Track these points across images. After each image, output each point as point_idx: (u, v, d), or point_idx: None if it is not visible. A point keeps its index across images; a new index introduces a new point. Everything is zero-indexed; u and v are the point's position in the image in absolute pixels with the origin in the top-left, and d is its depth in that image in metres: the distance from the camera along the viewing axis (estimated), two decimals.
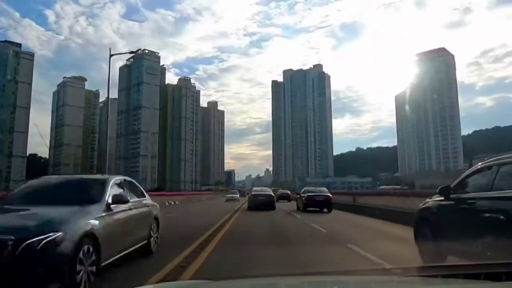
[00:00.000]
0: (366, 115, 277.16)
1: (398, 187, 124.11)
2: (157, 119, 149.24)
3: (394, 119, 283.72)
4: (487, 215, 4.23)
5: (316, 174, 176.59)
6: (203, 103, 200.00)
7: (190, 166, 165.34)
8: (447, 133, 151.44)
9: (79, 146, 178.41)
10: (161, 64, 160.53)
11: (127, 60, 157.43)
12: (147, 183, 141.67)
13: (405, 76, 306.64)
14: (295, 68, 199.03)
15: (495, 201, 4.16)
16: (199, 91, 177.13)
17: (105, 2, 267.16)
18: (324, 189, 21.18)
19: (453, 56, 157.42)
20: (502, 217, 3.96)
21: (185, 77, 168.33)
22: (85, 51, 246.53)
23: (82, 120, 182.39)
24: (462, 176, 5.01)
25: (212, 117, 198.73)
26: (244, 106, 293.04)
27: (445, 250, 4.96)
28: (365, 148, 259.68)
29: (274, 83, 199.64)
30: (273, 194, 21.99)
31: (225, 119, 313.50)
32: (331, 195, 19.42)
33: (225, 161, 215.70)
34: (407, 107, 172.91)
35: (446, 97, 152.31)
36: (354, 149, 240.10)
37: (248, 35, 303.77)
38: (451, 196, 4.95)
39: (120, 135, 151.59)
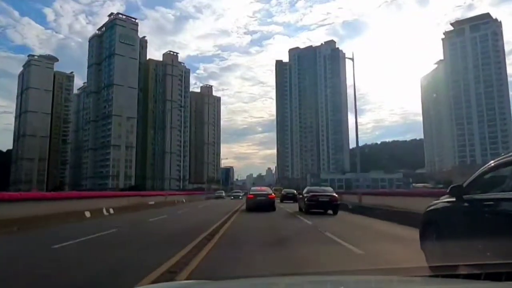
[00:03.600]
0: (368, 114, 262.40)
1: (429, 185, 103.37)
2: (135, 101, 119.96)
3: (396, 119, 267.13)
4: (506, 218, 3.63)
5: (330, 169, 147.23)
6: (196, 89, 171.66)
7: (178, 160, 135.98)
8: (495, 117, 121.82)
9: (45, 137, 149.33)
10: (141, 36, 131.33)
11: (99, 29, 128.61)
12: (120, 180, 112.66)
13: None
14: (302, 46, 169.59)
15: None
16: (189, 70, 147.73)
17: (104, 0, 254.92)
18: (329, 188, 20.27)
19: (500, 22, 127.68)
20: None
21: (170, 51, 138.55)
22: (84, 49, 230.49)
23: (51, 107, 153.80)
24: (477, 173, 4.30)
25: (206, 104, 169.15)
26: (245, 105, 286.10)
27: (456, 258, 4.25)
28: (379, 142, 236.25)
29: (278, 64, 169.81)
30: (273, 194, 20.85)
31: (226, 118, 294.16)
32: (336, 195, 18.00)
33: (227, 160, 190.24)
34: (439, 89, 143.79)
35: (494, 73, 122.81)
36: (359, 146, 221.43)
37: (249, 33, 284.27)
38: (464, 196, 4.28)
39: (89, 121, 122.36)
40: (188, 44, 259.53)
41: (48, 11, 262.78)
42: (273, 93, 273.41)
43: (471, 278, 1.72)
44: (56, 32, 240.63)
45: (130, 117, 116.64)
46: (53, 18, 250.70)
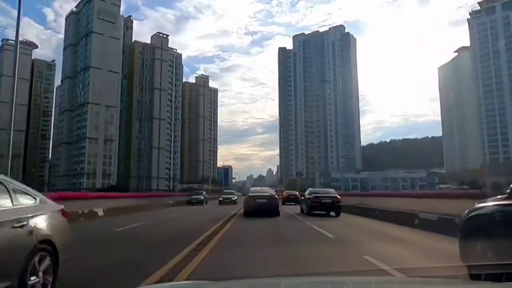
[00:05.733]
0: (368, 115, 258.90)
1: (451, 186, 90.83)
2: (115, 87, 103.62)
3: (397, 120, 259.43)
4: None
5: (340, 167, 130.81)
6: (190, 78, 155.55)
7: (168, 157, 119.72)
8: None
9: (21, 131, 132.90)
10: (125, 15, 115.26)
11: (76, 6, 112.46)
12: (98, 179, 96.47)
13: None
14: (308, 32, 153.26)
15: None
16: (180, 54, 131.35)
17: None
18: (332, 190, 19.36)
19: None
20: None
21: (159, 32, 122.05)
22: None
23: (28, 98, 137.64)
24: None
25: (202, 95, 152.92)
26: (246, 106, 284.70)
27: None
28: (388, 140, 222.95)
29: (282, 51, 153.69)
30: (277, 196, 17.60)
31: (226, 119, 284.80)
32: (339, 197, 17.49)
33: (227, 161, 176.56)
34: (462, 78, 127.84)
35: None
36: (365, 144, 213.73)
37: (250, 33, 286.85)
38: None
39: (63, 110, 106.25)
40: (189, 44, 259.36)
41: (48, 11, 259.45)
42: (273, 94, 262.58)
43: (471, 279, 1.72)
44: (56, 32, 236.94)
45: (109, 105, 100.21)
46: (53, 18, 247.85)
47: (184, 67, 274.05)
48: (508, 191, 3.65)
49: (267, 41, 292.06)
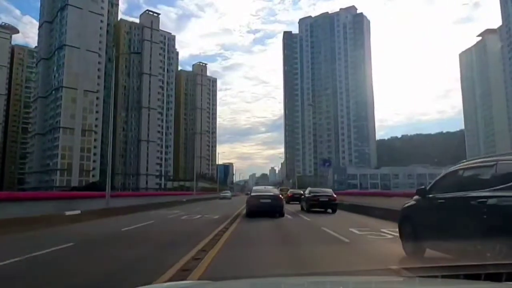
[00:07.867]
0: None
1: None
2: (96, 69, 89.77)
3: (400, 118, 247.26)
4: (454, 212, 4.76)
5: (352, 163, 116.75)
6: (186, 67, 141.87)
7: (159, 152, 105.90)
8: None
9: None
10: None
11: None
12: (74, 175, 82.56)
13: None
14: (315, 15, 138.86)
15: (460, 200, 4.59)
16: (174, 36, 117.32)
17: None
18: (329, 190, 21.25)
19: None
20: (465, 214, 4.49)
21: (149, 10, 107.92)
22: None
23: (7, 87, 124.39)
24: (437, 178, 5.57)
25: (199, 85, 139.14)
26: (248, 105, 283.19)
27: (424, 244, 5.41)
28: (399, 136, 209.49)
29: (287, 36, 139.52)
30: (280, 195, 16.52)
31: (229, 118, 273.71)
32: (335, 196, 19.30)
33: (229, 160, 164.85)
34: (489, 62, 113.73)
35: None
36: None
37: (252, 32, 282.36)
38: (427, 196, 5.47)
39: (36, 97, 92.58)
40: (190, 43, 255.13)
41: None
42: (276, 93, 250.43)
43: (471, 278, 1.71)
44: None
45: (88, 90, 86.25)
46: None
47: (185, 65, 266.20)
48: (415, 191, 5.72)
49: (269, 39, 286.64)
